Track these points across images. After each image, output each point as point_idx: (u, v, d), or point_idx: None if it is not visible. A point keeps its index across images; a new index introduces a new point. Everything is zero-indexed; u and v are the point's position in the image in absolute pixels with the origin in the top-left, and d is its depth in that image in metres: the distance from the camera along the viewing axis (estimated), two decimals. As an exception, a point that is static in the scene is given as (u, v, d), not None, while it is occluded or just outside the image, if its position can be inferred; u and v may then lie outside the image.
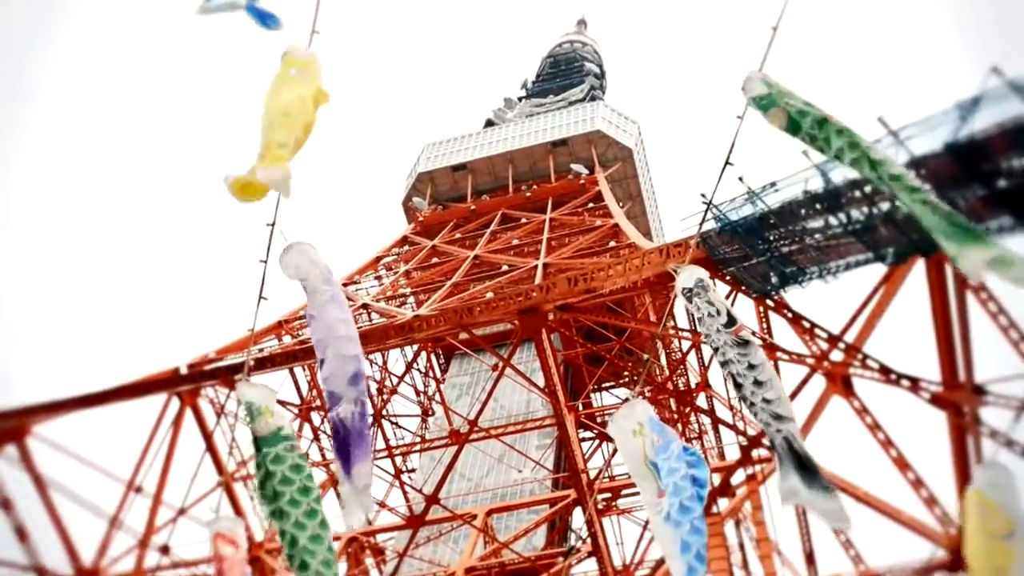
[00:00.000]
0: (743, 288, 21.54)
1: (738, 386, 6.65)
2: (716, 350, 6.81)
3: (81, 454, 26.22)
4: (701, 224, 8.00)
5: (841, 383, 20.85)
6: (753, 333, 22.40)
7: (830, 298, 20.54)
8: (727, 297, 22.86)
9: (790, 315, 21.30)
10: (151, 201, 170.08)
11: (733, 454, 27.55)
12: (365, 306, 41.29)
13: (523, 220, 50.33)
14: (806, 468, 6.30)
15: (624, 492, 32.31)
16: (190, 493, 27.05)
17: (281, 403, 34.99)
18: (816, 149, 6.30)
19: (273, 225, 7.10)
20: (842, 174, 15.87)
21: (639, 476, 6.97)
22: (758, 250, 19.39)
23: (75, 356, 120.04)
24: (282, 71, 6.62)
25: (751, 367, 6.54)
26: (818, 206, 16.75)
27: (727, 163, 6.44)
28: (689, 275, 7.01)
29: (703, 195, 7.56)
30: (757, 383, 6.52)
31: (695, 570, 6.34)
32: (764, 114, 6.46)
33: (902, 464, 20.14)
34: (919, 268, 18.08)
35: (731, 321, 6.77)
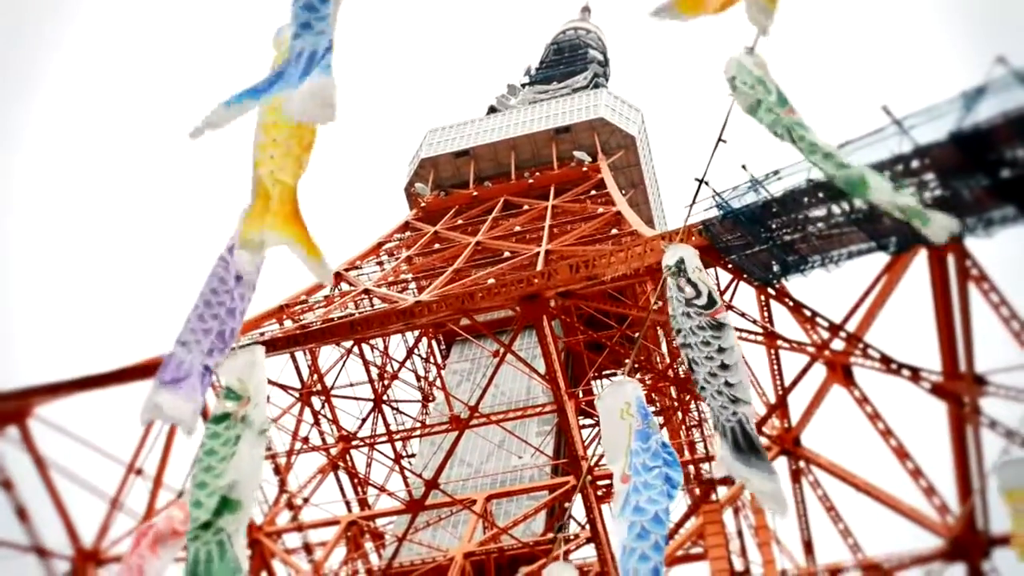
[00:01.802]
0: (745, 276, 21.52)
1: (693, 363, 6.58)
2: (679, 331, 6.68)
3: (82, 436, 26.29)
4: (692, 204, 7.90)
5: (842, 372, 20.88)
6: (754, 321, 22.42)
7: (832, 287, 20.55)
8: (728, 285, 22.88)
9: (791, 304, 21.30)
10: (156, 186, 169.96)
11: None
12: (367, 291, 41.28)
13: (525, 207, 50.27)
14: (752, 449, 6.37)
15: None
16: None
17: (281, 387, 35.07)
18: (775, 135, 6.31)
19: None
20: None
21: (614, 459, 6.87)
22: (760, 238, 19.38)
23: (78, 339, 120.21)
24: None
25: (721, 350, 6.46)
26: (821, 195, 16.74)
27: (720, 140, 6.40)
28: (674, 253, 6.86)
29: (697, 178, 7.31)
30: (723, 366, 6.45)
31: (647, 558, 6.26)
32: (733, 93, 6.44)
33: (902, 454, 20.18)
34: (921, 258, 18.08)
35: (711, 302, 6.62)
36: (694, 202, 7.70)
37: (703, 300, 6.60)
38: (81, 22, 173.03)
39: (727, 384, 6.43)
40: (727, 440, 6.42)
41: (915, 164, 15.37)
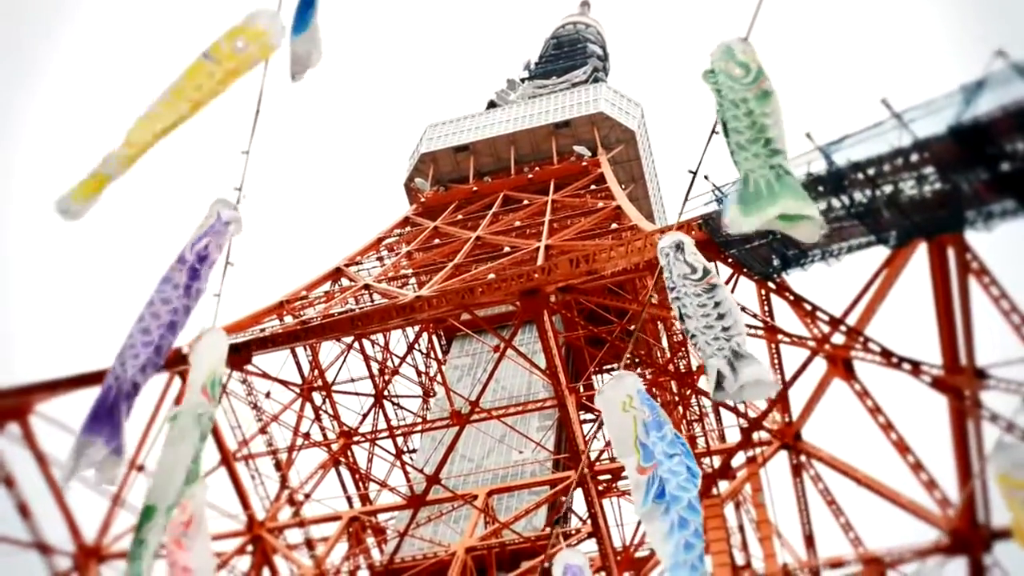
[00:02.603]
0: (745, 270, 21.52)
1: (686, 316, 6.85)
2: (677, 299, 6.95)
3: (83, 433, 26.25)
4: (686, 196, 7.99)
5: (842, 366, 20.89)
6: (754, 315, 22.41)
7: (832, 281, 20.55)
8: (728, 279, 22.88)
9: (792, 298, 21.30)
10: (152, 183, 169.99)
11: (734, 437, 27.58)
12: (367, 287, 41.27)
13: (525, 202, 50.19)
14: (739, 357, 6.54)
15: (624, 474, 32.37)
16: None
17: (282, 383, 35.03)
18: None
19: (240, 189, 6.99)
20: (845, 156, 15.85)
21: (624, 453, 6.90)
22: (760, 232, 19.36)
23: (78, 335, 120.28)
24: (220, 52, 6.22)
25: (716, 304, 6.75)
26: (821, 188, 16.72)
27: (713, 132, 6.46)
28: (669, 237, 7.18)
29: (690, 170, 7.45)
30: (720, 316, 6.73)
31: (692, 546, 6.28)
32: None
33: (902, 447, 20.18)
34: (921, 251, 18.07)
35: (705, 273, 6.95)
36: (688, 194, 7.77)
37: (698, 275, 6.91)
38: (81, 20, 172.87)
39: (723, 329, 6.65)
40: (718, 371, 6.55)
41: (914, 158, 15.37)
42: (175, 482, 6.35)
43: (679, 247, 7.08)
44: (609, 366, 47.21)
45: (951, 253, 17.49)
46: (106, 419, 6.20)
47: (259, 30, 6.11)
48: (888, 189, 16.14)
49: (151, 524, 6.16)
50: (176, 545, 6.88)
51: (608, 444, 36.28)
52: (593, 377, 46.10)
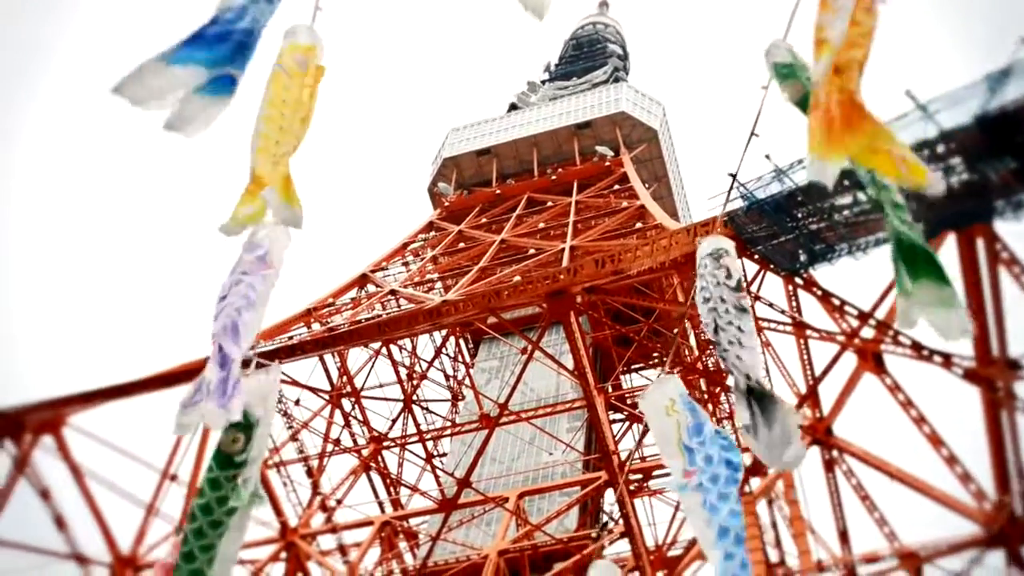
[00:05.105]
0: (771, 266, 21.41)
1: (716, 332, 6.88)
2: (713, 309, 6.94)
3: (116, 444, 26.55)
4: (726, 201, 7.93)
5: (873, 360, 20.73)
6: (782, 311, 22.27)
7: (860, 275, 20.40)
8: (755, 276, 22.74)
9: (820, 293, 21.16)
10: (186, 191, 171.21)
11: (764, 433, 27.42)
12: (393, 292, 41.41)
13: (549, 203, 50.20)
14: (762, 403, 6.47)
15: (656, 473, 32.36)
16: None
17: (311, 390, 35.24)
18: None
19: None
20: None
21: (669, 455, 6.94)
22: (786, 228, 19.29)
23: (110, 348, 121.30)
24: (287, 63, 6.23)
25: (740, 330, 6.77)
26: (846, 182, 16.60)
27: (752, 134, 6.28)
28: (710, 243, 7.16)
29: (731, 174, 7.38)
30: (740, 343, 6.74)
31: (732, 555, 6.31)
32: (781, 83, 6.35)
33: (936, 441, 20.00)
34: (950, 243, 17.91)
35: (738, 287, 6.93)
36: (728, 200, 7.73)
37: (733, 283, 6.93)
38: (81, 19, 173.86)
39: (738, 357, 6.69)
40: (743, 400, 6.58)
41: (941, 148, 15.25)
42: (232, 565, 6.42)
43: (722, 253, 7.06)
44: (637, 365, 47.13)
45: (980, 244, 17.33)
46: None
47: (305, 46, 6.13)
48: (915, 181, 16.02)
49: None
50: None
51: (639, 444, 36.20)
52: (621, 377, 46.05)
